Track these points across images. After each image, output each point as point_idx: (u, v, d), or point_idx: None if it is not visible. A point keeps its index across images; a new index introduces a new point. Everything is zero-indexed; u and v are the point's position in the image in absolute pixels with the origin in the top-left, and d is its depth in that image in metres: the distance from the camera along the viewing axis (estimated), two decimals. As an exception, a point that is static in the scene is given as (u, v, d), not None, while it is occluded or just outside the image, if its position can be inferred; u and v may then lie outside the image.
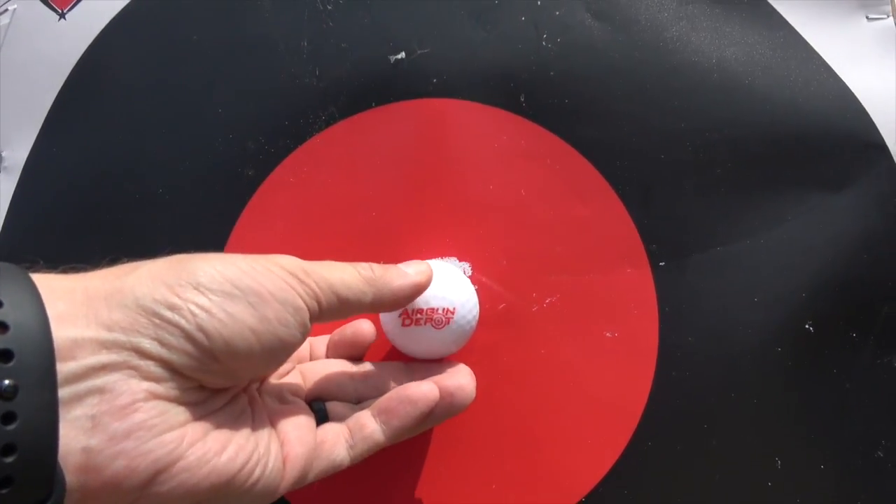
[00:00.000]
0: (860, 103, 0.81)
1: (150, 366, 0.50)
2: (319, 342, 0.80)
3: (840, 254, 0.80)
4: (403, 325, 0.75)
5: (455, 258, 0.83)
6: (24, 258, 0.89)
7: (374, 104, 0.86)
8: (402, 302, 0.70)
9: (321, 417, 0.69)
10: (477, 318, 0.78)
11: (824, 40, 0.83)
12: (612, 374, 0.80)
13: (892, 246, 0.80)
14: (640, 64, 0.83)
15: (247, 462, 0.55)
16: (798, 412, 0.78)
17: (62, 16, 0.92)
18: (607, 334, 0.81)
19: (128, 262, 0.57)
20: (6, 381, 0.42)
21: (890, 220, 0.80)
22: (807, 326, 0.79)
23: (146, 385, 0.49)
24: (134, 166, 0.88)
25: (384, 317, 0.78)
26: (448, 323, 0.76)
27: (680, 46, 0.84)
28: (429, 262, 0.82)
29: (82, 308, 0.49)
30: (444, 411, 0.70)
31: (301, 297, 0.58)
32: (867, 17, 0.83)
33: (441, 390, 0.69)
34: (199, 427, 0.54)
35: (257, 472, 0.56)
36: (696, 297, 0.80)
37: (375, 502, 0.80)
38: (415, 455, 0.81)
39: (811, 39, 0.84)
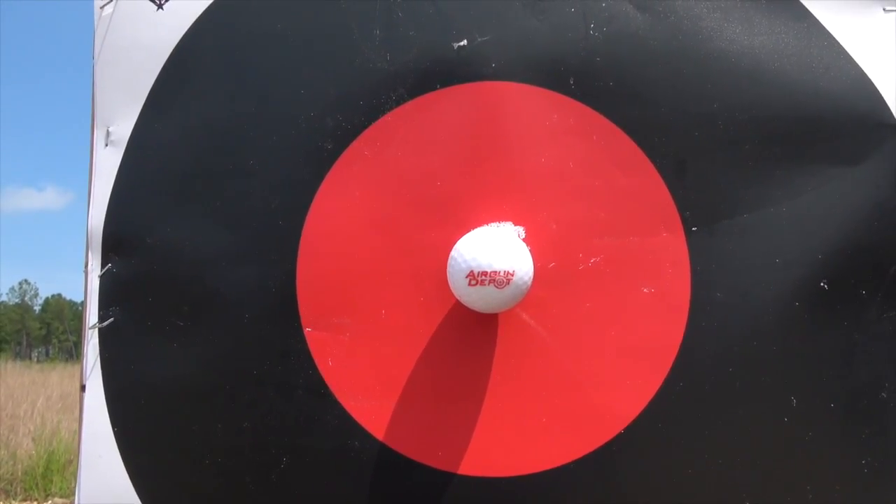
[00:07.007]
0: (875, 87, 0.91)
1: None
2: None
3: (853, 221, 0.90)
4: (469, 284, 0.87)
5: (510, 222, 0.95)
6: (130, 224, 1.03)
7: (438, 86, 0.97)
8: None
9: None
10: (532, 278, 0.90)
11: (844, 30, 0.93)
12: (649, 324, 0.92)
13: (900, 215, 0.90)
14: (678, 50, 0.94)
15: None
16: (812, 359, 0.89)
17: (160, 6, 1.04)
18: (645, 290, 0.92)
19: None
20: None
21: (899, 192, 0.90)
22: (822, 284, 0.89)
23: None
24: (227, 141, 1.00)
25: (451, 276, 0.89)
26: (508, 283, 0.87)
27: (714, 35, 0.93)
28: (488, 227, 0.94)
29: None
30: None
31: None
32: (884, 9, 0.92)
33: None
34: None
35: None
36: (724, 258, 0.91)
37: (440, 427, 0.93)
38: (475, 391, 0.93)
39: (832, 29, 0.93)
